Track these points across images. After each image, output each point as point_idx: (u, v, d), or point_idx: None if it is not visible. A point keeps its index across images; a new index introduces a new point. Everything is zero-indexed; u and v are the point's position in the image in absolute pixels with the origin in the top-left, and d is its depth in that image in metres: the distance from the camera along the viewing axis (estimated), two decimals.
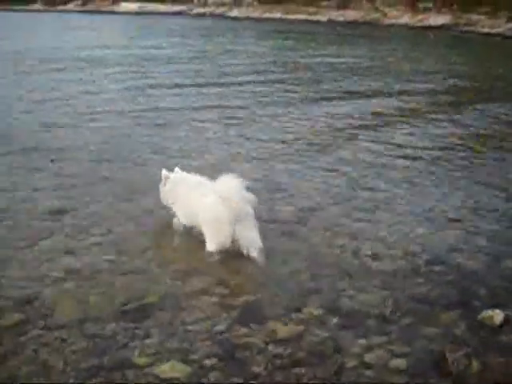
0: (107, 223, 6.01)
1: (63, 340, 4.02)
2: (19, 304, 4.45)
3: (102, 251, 5.34)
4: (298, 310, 4.43)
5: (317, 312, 4.41)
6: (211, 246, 5.24)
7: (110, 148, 8.97)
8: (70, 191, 7.00)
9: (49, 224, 5.96)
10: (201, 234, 5.39)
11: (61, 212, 6.31)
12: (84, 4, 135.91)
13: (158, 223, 5.99)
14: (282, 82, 17.21)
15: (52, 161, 8.21)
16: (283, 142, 9.73)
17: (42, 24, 57.92)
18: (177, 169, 5.90)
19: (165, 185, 5.79)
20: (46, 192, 6.98)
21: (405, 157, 8.91)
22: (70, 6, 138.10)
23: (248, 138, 9.90)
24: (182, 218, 5.72)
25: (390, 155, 8.99)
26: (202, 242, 5.38)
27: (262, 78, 17.75)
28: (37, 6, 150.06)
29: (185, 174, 5.84)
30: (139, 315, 4.32)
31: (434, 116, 12.39)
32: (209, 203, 5.16)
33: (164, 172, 5.81)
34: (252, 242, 5.10)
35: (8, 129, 10.30)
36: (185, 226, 5.70)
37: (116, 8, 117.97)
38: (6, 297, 4.55)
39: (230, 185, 5.10)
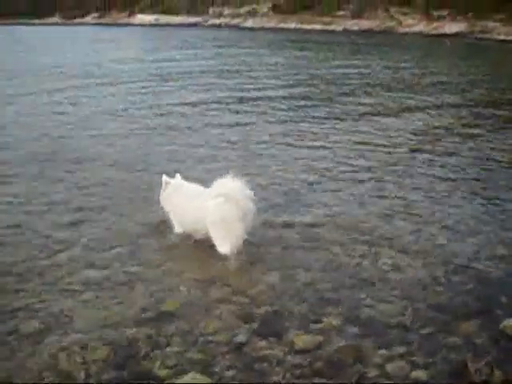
0: (125, 234, 6.02)
1: (83, 348, 4.04)
2: (39, 313, 4.48)
3: (121, 262, 5.36)
4: (318, 321, 4.40)
5: (336, 322, 4.38)
6: (224, 248, 5.27)
7: (128, 159, 8.99)
8: (88, 202, 7.03)
9: (68, 235, 5.99)
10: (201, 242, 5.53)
11: (79, 223, 6.34)
12: (101, 17, 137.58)
13: (175, 235, 5.97)
14: (308, 97, 16.22)
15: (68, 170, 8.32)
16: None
17: (61, 37, 58.48)
18: (177, 175, 5.97)
19: (164, 190, 5.88)
20: (65, 203, 7.02)
21: (441, 175, 8.61)
22: (88, 19, 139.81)
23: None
24: (177, 226, 5.84)
25: (418, 166, 8.89)
26: (221, 253, 5.40)
27: (285, 93, 16.67)
28: (55, 20, 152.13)
29: (184, 181, 5.91)
30: (159, 323, 4.33)
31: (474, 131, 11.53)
32: (215, 204, 5.19)
33: (164, 177, 5.89)
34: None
35: (27, 141, 10.37)
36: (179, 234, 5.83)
37: (132, 20, 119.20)
38: (26, 307, 4.58)
39: (232, 184, 5.18)
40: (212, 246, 5.44)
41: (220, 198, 5.18)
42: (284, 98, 15.78)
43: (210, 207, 5.23)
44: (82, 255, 5.52)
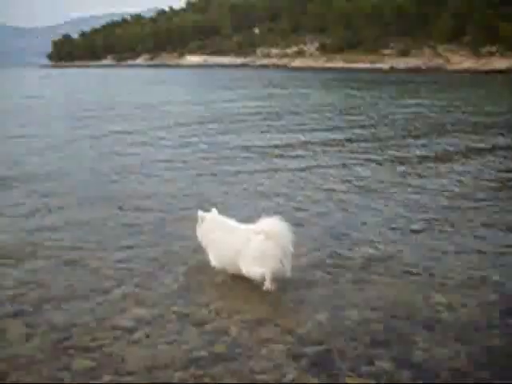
0: (176, 273, 6.06)
1: None
2: (91, 351, 4.53)
3: (171, 301, 5.38)
4: (369, 363, 4.32)
5: (388, 365, 4.29)
6: (252, 274, 5.48)
7: (178, 199, 9.09)
8: (138, 240, 7.11)
9: (119, 273, 6.07)
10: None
11: (130, 260, 6.42)
12: (152, 58, 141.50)
13: (223, 273, 5.98)
14: (363, 139, 15.66)
15: (120, 208, 8.48)
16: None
17: (114, 79, 60.10)
18: (213, 210, 6.11)
19: (200, 225, 6.03)
20: (116, 240, 7.13)
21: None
22: (139, 61, 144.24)
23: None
24: (213, 261, 5.94)
25: (478, 214, 8.72)
26: (269, 292, 5.43)
27: (340, 135, 16.19)
28: (107, 61, 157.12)
29: (220, 216, 6.04)
30: (208, 363, 4.32)
31: None
32: (256, 241, 5.38)
33: (200, 212, 6.05)
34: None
35: (78, 180, 10.62)
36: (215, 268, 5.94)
37: (182, 61, 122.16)
38: (78, 344, 4.63)
39: (274, 223, 5.35)
40: (259, 285, 5.46)
41: (261, 235, 5.35)
42: (339, 140, 15.43)
43: (251, 243, 5.39)
44: (133, 293, 5.56)
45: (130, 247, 6.87)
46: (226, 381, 4.09)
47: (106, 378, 4.16)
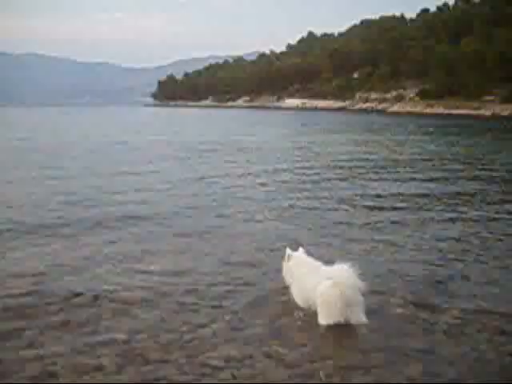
0: (267, 313, 6.02)
1: None
2: None
3: (261, 342, 5.34)
4: None
5: None
6: (322, 322, 5.61)
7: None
8: (233, 279, 7.13)
9: (211, 311, 6.10)
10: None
11: (224, 298, 6.45)
12: (251, 100, 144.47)
13: (315, 316, 5.92)
14: (483, 193, 13.76)
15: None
16: None
17: (216, 118, 61.66)
18: (300, 249, 6.31)
19: (287, 263, 6.26)
20: (212, 276, 7.17)
21: None
22: (239, 102, 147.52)
23: None
24: (296, 299, 6.10)
25: None
26: (362, 338, 5.36)
27: (453, 188, 14.53)
28: (208, 102, 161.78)
29: (306, 256, 6.21)
30: None
31: None
32: (324, 287, 5.55)
33: (288, 250, 6.27)
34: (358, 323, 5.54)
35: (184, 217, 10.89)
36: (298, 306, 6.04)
37: (280, 104, 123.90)
38: (167, 378, 4.68)
39: (345, 271, 5.53)
40: (352, 331, 5.38)
41: (329, 281, 5.52)
42: (453, 194, 13.76)
43: (321, 288, 5.57)
44: (224, 331, 5.57)
45: (225, 283, 6.96)
46: None
47: None
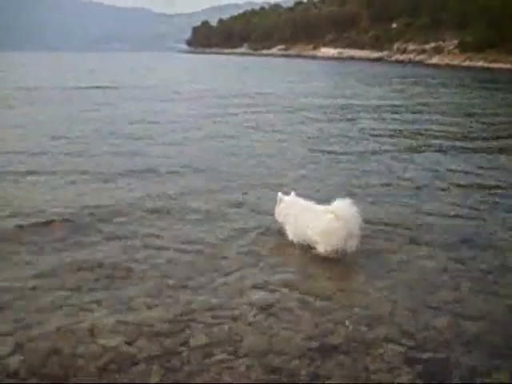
0: (296, 262, 6.17)
1: (248, 368, 4.17)
2: (208, 328, 4.70)
3: (291, 288, 5.45)
4: (486, 374, 4.18)
5: (506, 378, 4.12)
6: (320, 250, 6.12)
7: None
8: (260, 227, 7.23)
9: (242, 257, 6.22)
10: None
11: (255, 246, 6.57)
12: (287, 49, 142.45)
13: (344, 266, 6.01)
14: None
15: (244, 193, 8.75)
16: None
17: (251, 66, 61.13)
18: (292, 193, 6.81)
19: (279, 205, 6.74)
20: (243, 231, 7.18)
21: None
22: (274, 50, 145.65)
23: None
24: (290, 235, 6.57)
25: None
26: (390, 289, 5.42)
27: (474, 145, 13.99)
28: (243, 50, 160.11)
29: (298, 198, 6.71)
30: (322, 355, 4.34)
31: None
32: (327, 219, 6.00)
33: (280, 194, 6.79)
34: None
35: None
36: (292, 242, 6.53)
37: (316, 53, 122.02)
38: (198, 320, 4.82)
39: (345, 206, 5.98)
40: (380, 281, 5.46)
41: (331, 214, 5.99)
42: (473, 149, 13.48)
43: (325, 220, 6.02)
44: (253, 277, 5.69)
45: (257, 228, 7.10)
46: (339, 374, 4.11)
47: (220, 357, 4.31)
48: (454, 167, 11.16)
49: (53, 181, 9.35)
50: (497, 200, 8.78)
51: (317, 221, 6.15)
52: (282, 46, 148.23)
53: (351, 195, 6.95)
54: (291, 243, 6.58)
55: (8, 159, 10.93)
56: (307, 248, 6.34)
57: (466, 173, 10.68)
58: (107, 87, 29.87)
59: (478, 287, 5.61)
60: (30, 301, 5.11)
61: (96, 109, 20.00)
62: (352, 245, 6.03)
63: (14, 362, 4.19)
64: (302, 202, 6.65)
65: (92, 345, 4.43)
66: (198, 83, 35.85)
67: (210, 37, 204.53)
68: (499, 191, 9.36)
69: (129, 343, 4.45)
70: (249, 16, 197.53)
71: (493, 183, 9.90)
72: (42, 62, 76.51)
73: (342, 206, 6.02)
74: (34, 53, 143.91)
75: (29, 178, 9.51)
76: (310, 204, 6.56)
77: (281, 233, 6.77)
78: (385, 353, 4.40)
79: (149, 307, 5.04)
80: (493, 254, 6.51)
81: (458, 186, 9.65)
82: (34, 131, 14.82)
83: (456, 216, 7.86)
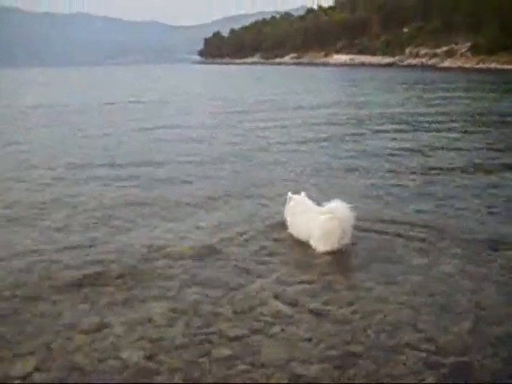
0: (315, 271, 6.12)
1: (269, 377, 4.17)
2: (229, 340, 4.69)
3: (309, 297, 5.43)
4: (510, 378, 4.14)
5: None
6: (319, 247, 6.58)
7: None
8: (276, 236, 7.24)
9: (258, 267, 6.22)
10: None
11: (271, 255, 6.57)
12: (299, 57, 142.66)
13: (365, 273, 5.99)
14: None
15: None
16: None
17: (264, 75, 61.21)
18: (303, 193, 7.21)
19: (288, 204, 7.17)
20: (262, 234, 7.29)
21: None
22: (286, 59, 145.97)
23: None
24: (294, 232, 7.06)
25: None
26: (409, 294, 5.41)
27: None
28: (255, 59, 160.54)
29: (306, 198, 7.11)
30: (343, 362, 4.33)
31: None
32: (324, 219, 6.48)
33: (289, 194, 7.21)
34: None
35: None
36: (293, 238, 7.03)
37: (328, 60, 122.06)
38: (218, 333, 4.81)
39: (341, 207, 6.44)
40: (400, 287, 5.46)
41: (328, 214, 6.45)
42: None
43: (321, 220, 6.51)
44: (273, 287, 5.67)
45: (274, 239, 7.09)
46: (361, 381, 4.09)
47: (241, 368, 4.30)
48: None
49: None
50: None
51: (315, 220, 6.61)
52: (294, 55, 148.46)
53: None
54: (308, 250, 6.63)
55: None
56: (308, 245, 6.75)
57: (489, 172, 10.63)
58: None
59: (499, 290, 5.56)
60: (50, 318, 5.13)
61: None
62: (345, 241, 6.57)
63: (36, 379, 4.21)
64: (307, 202, 7.05)
65: (113, 360, 4.44)
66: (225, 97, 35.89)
67: (221, 47, 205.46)
68: None
69: (149, 357, 4.46)
70: (260, 25, 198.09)
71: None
72: (68, 78, 76.52)
73: (337, 206, 6.47)
74: (49, 68, 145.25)
75: None
76: (313, 204, 6.98)
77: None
78: (407, 359, 4.37)
79: (168, 321, 5.04)
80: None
81: (474, 187, 9.60)
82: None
83: (474, 219, 7.81)
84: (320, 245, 6.58)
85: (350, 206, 6.48)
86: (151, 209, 8.51)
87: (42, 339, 4.74)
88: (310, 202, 7.03)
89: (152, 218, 8.06)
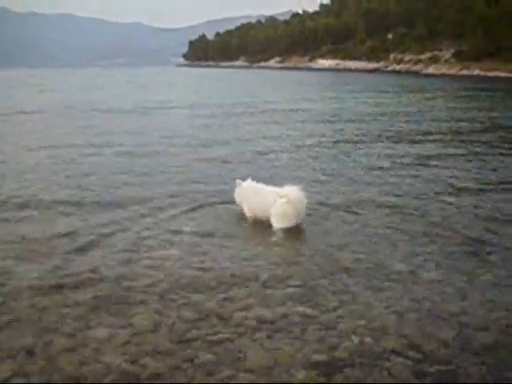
0: (302, 276, 6.07)
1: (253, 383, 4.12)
2: (212, 346, 4.63)
3: (294, 302, 5.39)
4: None
5: None
6: (277, 226, 7.53)
7: None
8: (261, 239, 7.28)
9: (245, 271, 6.17)
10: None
11: (255, 258, 6.54)
12: (283, 61, 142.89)
13: (351, 277, 5.96)
14: None
15: None
16: None
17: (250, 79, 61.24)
18: (249, 179, 8.15)
19: (237, 188, 8.15)
20: (241, 240, 7.30)
21: None
22: (271, 63, 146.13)
23: None
24: (247, 212, 8.02)
25: None
26: (394, 300, 5.38)
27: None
28: (240, 63, 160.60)
29: (254, 183, 8.11)
30: (329, 369, 4.29)
31: None
32: (280, 202, 7.43)
33: (238, 180, 8.13)
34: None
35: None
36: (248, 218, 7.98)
37: (313, 65, 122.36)
38: (203, 338, 4.75)
39: (294, 191, 7.42)
40: (387, 292, 5.44)
41: (284, 198, 7.40)
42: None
43: (277, 203, 7.47)
44: (258, 292, 5.63)
45: (256, 244, 7.07)
46: None
47: (225, 373, 4.25)
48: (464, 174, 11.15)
49: None
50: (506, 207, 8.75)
51: (273, 203, 7.52)
52: (279, 59, 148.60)
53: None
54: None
55: None
56: (260, 222, 7.76)
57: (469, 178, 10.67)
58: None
59: (484, 298, 5.56)
60: (31, 321, 5.05)
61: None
62: (298, 221, 7.56)
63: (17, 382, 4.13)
64: (256, 185, 8.04)
65: (96, 364, 4.37)
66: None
67: (206, 50, 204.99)
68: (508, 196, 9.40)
69: (133, 362, 4.39)
70: (245, 29, 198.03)
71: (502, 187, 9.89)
72: (58, 78, 75.95)
73: (292, 190, 7.43)
74: (37, 69, 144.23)
75: None
76: (263, 186, 7.99)
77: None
78: (392, 366, 4.34)
79: (152, 326, 4.97)
80: (500, 263, 6.45)
81: (456, 192, 9.62)
82: None
83: (461, 226, 7.82)
84: (275, 224, 7.53)
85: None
86: (133, 208, 8.44)
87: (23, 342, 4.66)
88: (259, 185, 8.02)
89: (134, 217, 7.99)
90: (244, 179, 8.23)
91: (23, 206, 8.75)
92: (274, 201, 7.53)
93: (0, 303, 5.36)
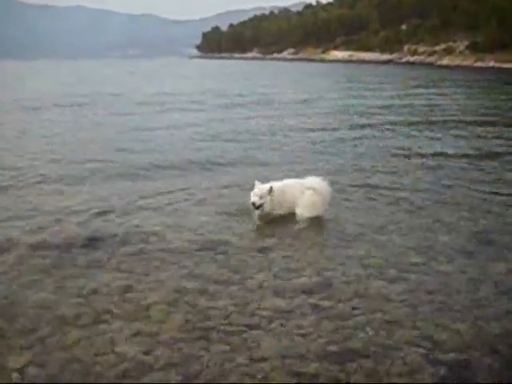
0: (316, 266, 6.08)
1: (268, 372, 4.15)
2: (228, 335, 4.65)
3: (308, 293, 5.40)
4: (509, 375, 4.13)
5: None
6: (306, 215, 7.67)
7: None
8: (276, 230, 7.31)
9: (258, 261, 6.21)
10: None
11: (269, 249, 6.57)
12: (296, 52, 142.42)
13: (365, 269, 5.96)
14: None
15: None
16: None
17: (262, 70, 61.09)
18: (257, 182, 7.76)
19: (254, 189, 7.74)
20: (255, 230, 7.41)
21: None
22: (284, 54, 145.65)
23: None
24: (267, 208, 7.71)
25: None
26: (408, 293, 5.37)
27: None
28: (253, 54, 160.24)
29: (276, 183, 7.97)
30: (342, 359, 4.31)
31: None
32: (308, 194, 7.66)
33: (256, 182, 7.77)
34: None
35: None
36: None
37: (326, 56, 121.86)
38: (216, 327, 4.78)
39: (320, 182, 7.73)
40: (398, 284, 5.43)
41: (311, 190, 7.64)
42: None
43: (305, 194, 7.68)
44: (272, 283, 5.65)
45: (270, 236, 7.08)
46: (360, 379, 4.06)
47: (239, 361, 4.27)
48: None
49: None
50: None
51: (301, 195, 7.71)
52: (292, 50, 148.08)
53: None
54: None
55: None
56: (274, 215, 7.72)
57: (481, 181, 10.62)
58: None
59: (497, 289, 5.55)
60: (46, 312, 5.10)
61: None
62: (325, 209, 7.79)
63: (33, 371, 4.17)
64: (276, 184, 7.83)
65: (110, 354, 4.41)
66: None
67: (220, 42, 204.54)
68: None
69: (146, 352, 4.43)
70: (258, 21, 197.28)
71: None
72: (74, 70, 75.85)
73: (317, 182, 7.73)
74: (51, 60, 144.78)
75: None
76: (284, 182, 7.97)
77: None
78: (406, 356, 4.35)
79: (166, 315, 5.01)
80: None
81: (474, 184, 9.59)
82: None
83: (472, 218, 7.80)
84: (302, 215, 7.69)
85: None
86: (147, 199, 8.48)
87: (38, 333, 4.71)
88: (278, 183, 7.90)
89: (146, 206, 8.04)
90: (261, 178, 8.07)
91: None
92: (302, 192, 7.72)
93: None
